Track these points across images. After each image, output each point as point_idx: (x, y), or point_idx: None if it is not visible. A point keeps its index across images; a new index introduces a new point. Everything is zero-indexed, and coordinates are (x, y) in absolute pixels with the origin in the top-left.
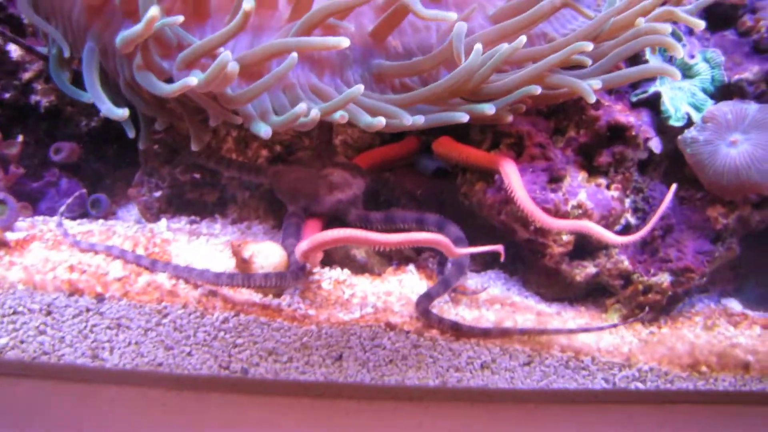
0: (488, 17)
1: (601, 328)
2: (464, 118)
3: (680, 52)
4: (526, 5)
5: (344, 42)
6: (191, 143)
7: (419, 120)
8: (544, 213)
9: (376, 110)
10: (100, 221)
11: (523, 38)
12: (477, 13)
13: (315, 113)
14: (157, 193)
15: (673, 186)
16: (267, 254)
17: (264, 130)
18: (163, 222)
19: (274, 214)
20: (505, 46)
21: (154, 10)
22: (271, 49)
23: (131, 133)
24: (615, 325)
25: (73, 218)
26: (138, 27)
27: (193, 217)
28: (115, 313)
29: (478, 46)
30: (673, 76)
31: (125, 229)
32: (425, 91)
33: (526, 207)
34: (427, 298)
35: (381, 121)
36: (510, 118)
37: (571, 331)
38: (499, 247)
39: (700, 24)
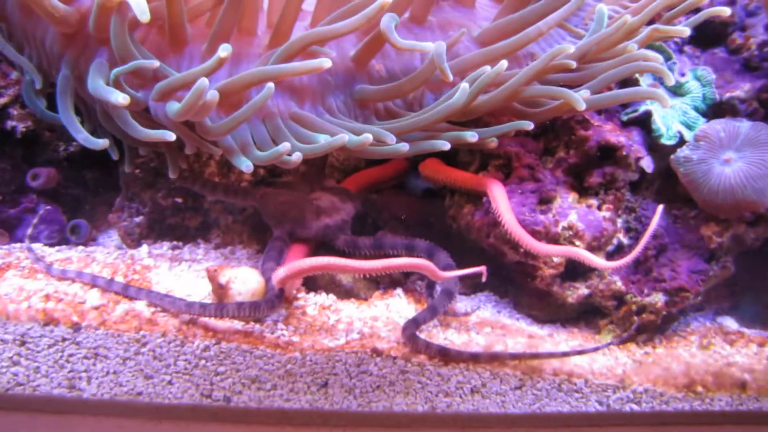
0: (473, 38)
1: (581, 352)
2: (446, 146)
3: (671, 79)
4: (512, 27)
5: (326, 63)
6: (169, 170)
7: (403, 147)
8: (533, 236)
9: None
10: (80, 248)
11: (505, 63)
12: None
13: (297, 157)
14: (138, 219)
15: (660, 207)
16: (244, 280)
17: (245, 165)
18: (144, 248)
19: (258, 238)
20: (487, 71)
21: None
22: (249, 79)
23: (115, 156)
24: (597, 348)
25: (52, 245)
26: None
27: (175, 243)
28: (93, 342)
29: (464, 86)
30: (663, 102)
31: (105, 255)
32: (410, 124)
33: (514, 231)
34: (413, 323)
35: (368, 138)
36: (494, 144)
37: (553, 355)
38: (482, 269)
39: (685, 32)
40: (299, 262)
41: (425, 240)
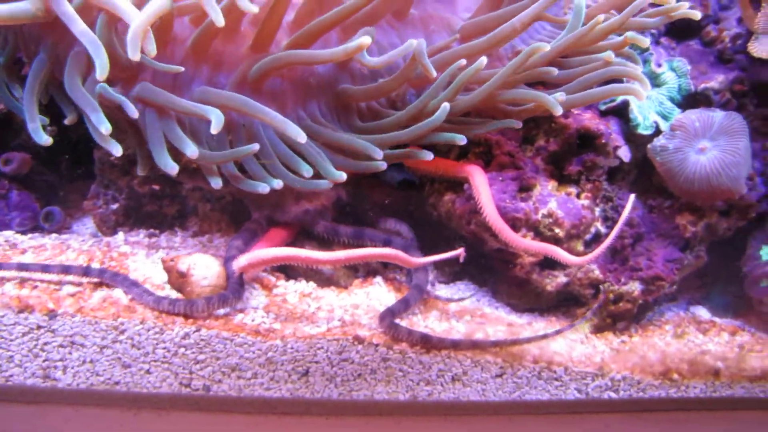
0: (454, 33)
1: (545, 336)
2: (428, 156)
3: (647, 85)
4: (492, 23)
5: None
6: (138, 166)
7: (382, 166)
8: (514, 223)
9: (344, 146)
10: (54, 235)
11: (484, 60)
12: (442, 30)
13: (278, 184)
14: (114, 206)
15: (632, 196)
16: (206, 264)
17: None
18: (121, 235)
19: (236, 226)
20: (464, 72)
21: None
22: (232, 103)
23: (117, 152)
24: (558, 332)
25: (24, 232)
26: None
27: (152, 230)
28: (69, 330)
29: (446, 105)
30: (639, 96)
31: (80, 243)
32: (392, 137)
33: (494, 223)
34: (390, 313)
35: (342, 176)
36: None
37: (529, 340)
38: (459, 252)
39: (645, 42)
40: (261, 251)
41: (404, 238)
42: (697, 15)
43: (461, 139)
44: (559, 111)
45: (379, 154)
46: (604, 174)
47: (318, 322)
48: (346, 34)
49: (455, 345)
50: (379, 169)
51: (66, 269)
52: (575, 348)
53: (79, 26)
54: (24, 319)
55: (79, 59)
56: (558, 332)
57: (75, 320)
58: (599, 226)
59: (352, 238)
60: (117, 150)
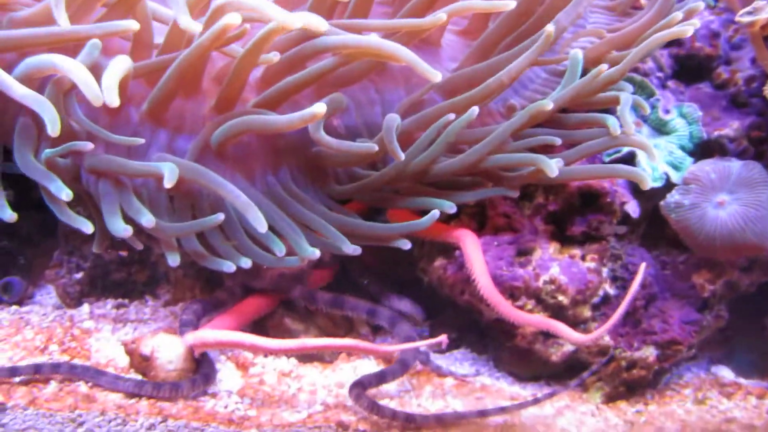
0: (438, 87)
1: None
2: (406, 245)
3: (655, 157)
4: (477, 75)
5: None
6: (94, 244)
7: (357, 251)
8: (512, 292)
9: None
10: (13, 308)
11: (475, 110)
12: (424, 83)
13: (246, 263)
14: (78, 275)
15: (642, 266)
16: (171, 346)
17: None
18: (86, 307)
19: (211, 293)
20: (450, 127)
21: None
22: (191, 174)
23: (88, 230)
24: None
25: None
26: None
27: (120, 300)
28: (21, 424)
29: (435, 212)
30: (644, 148)
31: (40, 318)
32: (369, 227)
33: (489, 296)
34: (359, 386)
35: (316, 253)
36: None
37: (523, 406)
38: (442, 339)
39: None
40: (207, 333)
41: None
42: (688, 32)
43: (450, 207)
44: (554, 173)
45: (349, 248)
46: (612, 233)
47: (298, 406)
48: (319, 92)
49: (439, 419)
50: (354, 253)
51: (13, 371)
52: (585, 422)
53: (18, 90)
54: None
55: (27, 129)
56: (550, 395)
57: (27, 413)
58: (607, 288)
59: (330, 306)
60: (87, 227)
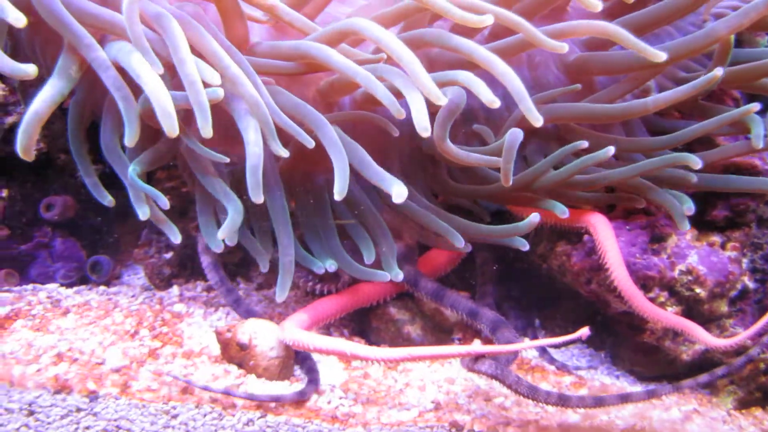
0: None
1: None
2: (525, 247)
3: None
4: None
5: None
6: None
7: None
8: (646, 282)
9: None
10: (101, 288)
11: (611, 150)
12: (549, 61)
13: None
14: (168, 255)
15: None
16: (269, 332)
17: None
18: (175, 289)
19: None
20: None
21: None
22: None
23: (176, 239)
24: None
25: (70, 285)
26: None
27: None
28: (113, 413)
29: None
30: None
31: (129, 300)
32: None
33: (624, 287)
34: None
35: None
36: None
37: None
38: (584, 332)
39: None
40: (305, 336)
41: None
42: None
43: (562, 212)
44: (686, 227)
45: (461, 244)
46: (755, 218)
47: (406, 404)
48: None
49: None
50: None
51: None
52: (717, 428)
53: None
54: (62, 400)
55: (114, 112)
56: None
57: (120, 403)
58: (747, 280)
59: (431, 297)
60: (175, 236)
